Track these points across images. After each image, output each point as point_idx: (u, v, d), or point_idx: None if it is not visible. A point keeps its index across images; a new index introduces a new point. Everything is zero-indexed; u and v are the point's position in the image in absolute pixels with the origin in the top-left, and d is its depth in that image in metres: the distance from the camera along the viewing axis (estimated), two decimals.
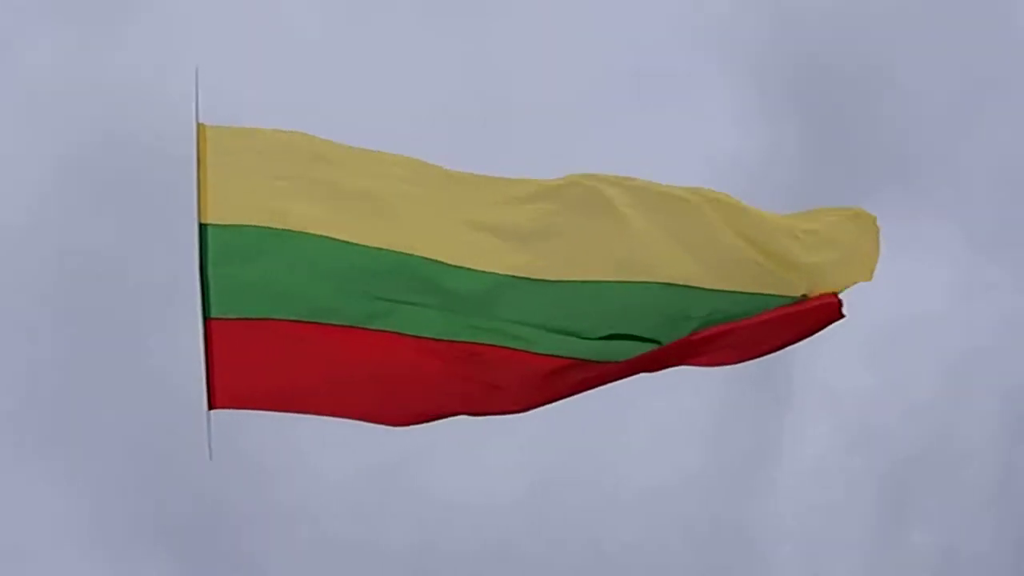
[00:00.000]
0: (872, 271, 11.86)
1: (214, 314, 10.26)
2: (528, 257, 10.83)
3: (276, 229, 10.46)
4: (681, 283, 11.00)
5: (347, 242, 10.55)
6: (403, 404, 10.70)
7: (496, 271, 10.77)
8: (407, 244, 10.65)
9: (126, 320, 17.27)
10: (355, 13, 19.11)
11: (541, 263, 10.85)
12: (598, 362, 10.89)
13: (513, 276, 10.77)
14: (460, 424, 18.26)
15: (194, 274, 10.49)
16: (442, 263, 10.66)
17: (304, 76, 18.10)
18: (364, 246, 10.57)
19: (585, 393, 11.21)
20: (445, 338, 10.66)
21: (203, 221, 10.32)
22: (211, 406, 10.32)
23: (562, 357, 10.79)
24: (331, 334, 10.47)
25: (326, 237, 10.50)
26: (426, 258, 10.65)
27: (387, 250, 10.58)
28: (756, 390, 19.00)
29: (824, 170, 20.09)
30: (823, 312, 11.45)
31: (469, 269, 10.76)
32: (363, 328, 10.54)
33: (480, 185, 10.99)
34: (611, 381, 11.12)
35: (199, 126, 10.41)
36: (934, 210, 20.38)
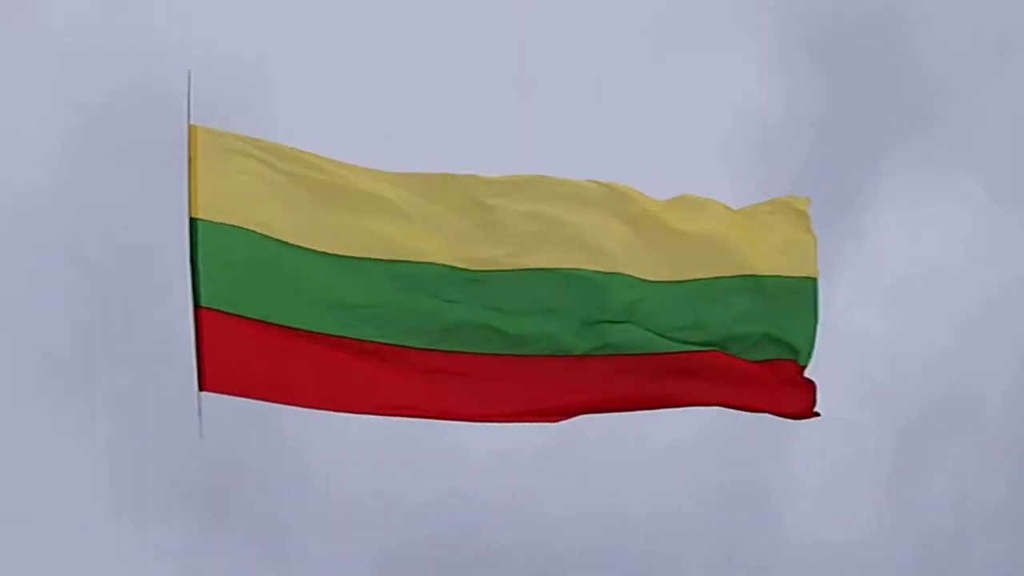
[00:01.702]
0: (814, 261, 11.81)
1: (204, 303, 10.53)
2: (499, 251, 11.24)
3: (259, 234, 10.74)
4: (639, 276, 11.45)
5: (326, 254, 10.84)
6: (383, 398, 10.98)
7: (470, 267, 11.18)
8: (392, 252, 10.99)
9: (151, 279, 17.34)
10: None
11: (515, 257, 11.26)
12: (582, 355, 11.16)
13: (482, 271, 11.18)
14: None
15: None
16: (437, 264, 11.06)
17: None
18: (345, 257, 10.89)
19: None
20: (425, 348, 10.97)
21: (193, 215, 10.59)
22: (201, 388, 10.57)
23: (542, 355, 11.14)
24: (313, 340, 10.76)
25: (306, 249, 10.78)
26: (412, 262, 11.02)
27: (368, 259, 10.91)
28: None
29: (845, 122, 20.07)
30: (795, 401, 11.69)
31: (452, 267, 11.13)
32: (343, 337, 10.84)
33: (454, 185, 11.37)
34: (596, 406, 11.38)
35: (191, 127, 10.63)
36: (955, 162, 20.39)
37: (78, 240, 17.99)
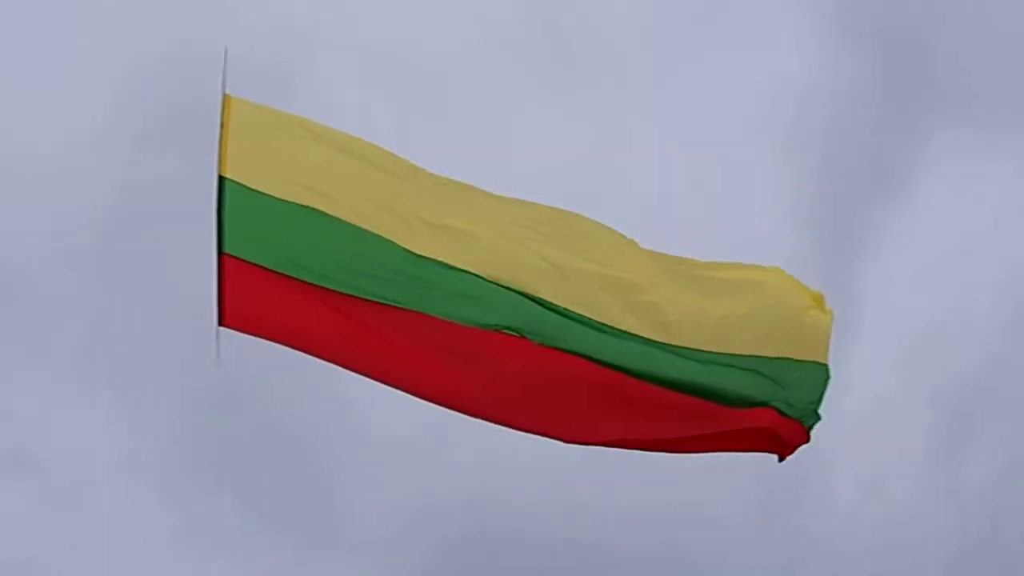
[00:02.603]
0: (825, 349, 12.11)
1: (227, 251, 10.79)
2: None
3: (288, 202, 10.97)
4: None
5: (348, 223, 11.06)
6: (391, 367, 11.15)
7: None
8: (410, 243, 11.12)
9: (193, 252, 17.36)
10: None
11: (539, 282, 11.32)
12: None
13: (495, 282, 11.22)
14: None
15: None
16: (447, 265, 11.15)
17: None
18: (373, 233, 11.07)
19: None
20: (462, 322, 11.10)
21: (222, 174, 10.84)
22: (220, 324, 10.81)
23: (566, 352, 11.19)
24: (331, 296, 10.92)
25: (336, 218, 11.01)
26: (427, 258, 11.14)
27: (392, 242, 11.06)
28: None
29: (884, 97, 20.02)
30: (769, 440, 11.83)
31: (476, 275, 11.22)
32: (362, 298, 10.97)
33: (489, 204, 11.50)
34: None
35: (225, 96, 10.86)
36: (992, 133, 20.30)
37: (119, 209, 18.02)
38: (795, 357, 11.85)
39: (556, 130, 18.25)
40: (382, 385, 11.17)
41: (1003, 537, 19.42)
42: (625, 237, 11.71)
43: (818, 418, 11.87)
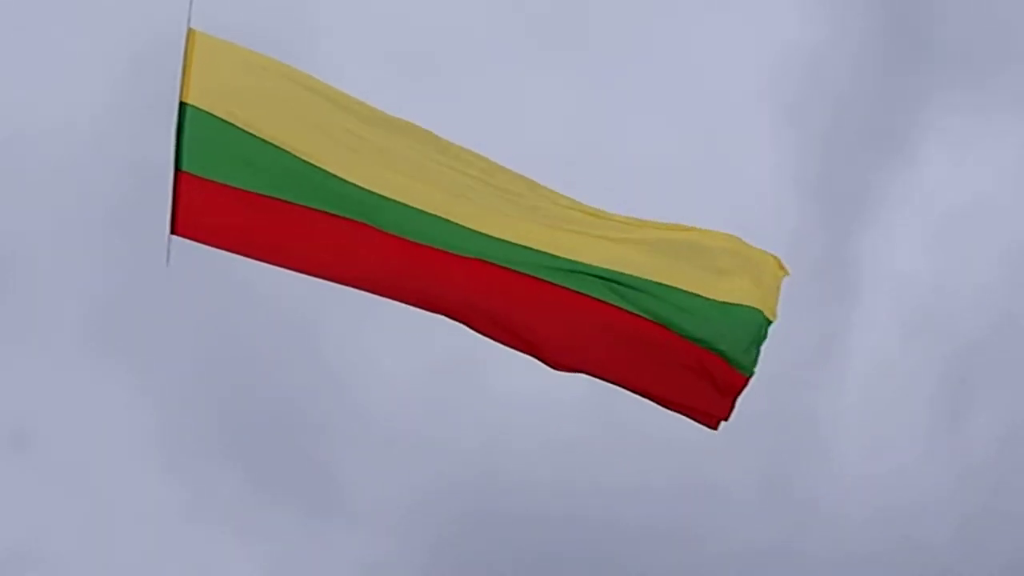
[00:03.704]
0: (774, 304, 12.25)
1: (184, 168, 11.32)
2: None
3: (249, 133, 11.51)
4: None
5: (314, 164, 11.58)
6: (351, 267, 11.63)
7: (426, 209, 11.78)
8: (367, 181, 11.63)
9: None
10: None
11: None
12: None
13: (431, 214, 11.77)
14: None
15: None
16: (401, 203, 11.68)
17: None
18: (330, 173, 11.58)
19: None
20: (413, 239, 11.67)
21: (183, 100, 11.36)
22: (173, 231, 11.33)
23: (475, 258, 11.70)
24: (289, 207, 11.49)
25: (292, 154, 11.54)
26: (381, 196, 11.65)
27: (347, 181, 11.59)
28: (819, 280, 19.01)
29: (886, 60, 19.94)
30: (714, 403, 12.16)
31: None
32: (320, 210, 11.53)
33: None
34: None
35: (189, 30, 11.46)
36: (998, 97, 20.23)
37: (128, 186, 17.94)
38: (738, 302, 12.07)
39: (557, 97, 18.20)
40: (336, 284, 11.59)
41: (1008, 500, 19.42)
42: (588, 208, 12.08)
43: (753, 367, 12.09)
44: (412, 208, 11.58)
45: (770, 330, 12.05)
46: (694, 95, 18.94)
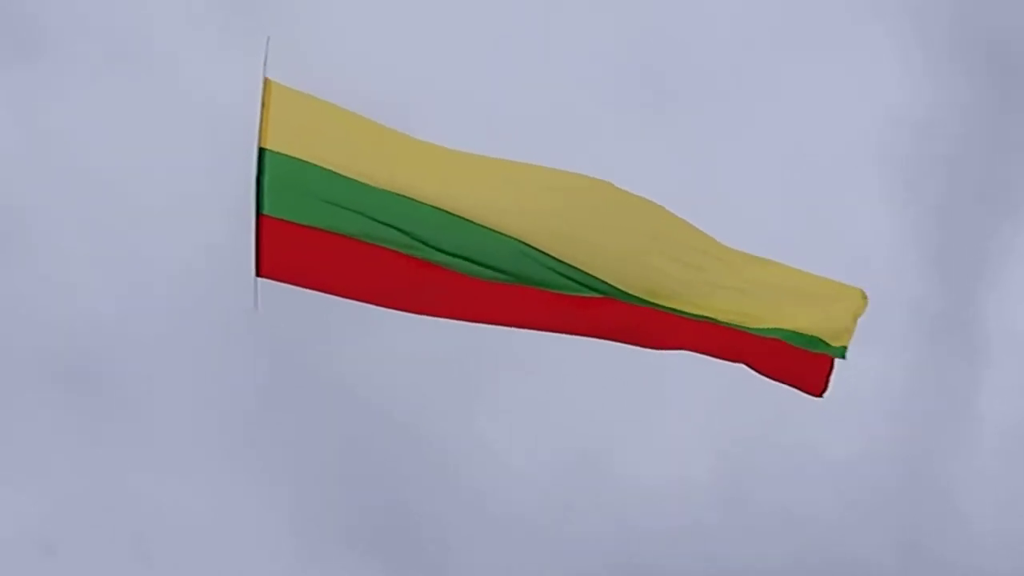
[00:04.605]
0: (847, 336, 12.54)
1: (265, 212, 11.86)
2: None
3: (328, 170, 12.04)
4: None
5: (383, 190, 12.06)
6: (432, 301, 12.11)
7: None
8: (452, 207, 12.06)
9: (319, 322, 17.38)
10: None
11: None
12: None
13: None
14: (641, 406, 18.22)
15: None
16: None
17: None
18: (414, 199, 12.07)
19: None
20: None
21: (262, 145, 11.94)
22: (258, 273, 11.87)
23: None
24: (367, 246, 12.00)
25: (374, 187, 12.03)
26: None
27: (432, 206, 12.07)
28: (945, 344, 18.77)
29: (992, 128, 19.72)
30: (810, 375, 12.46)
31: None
32: (406, 254, 12.02)
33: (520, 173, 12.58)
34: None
35: (265, 80, 12.03)
36: None
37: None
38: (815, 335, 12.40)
39: (655, 162, 18.15)
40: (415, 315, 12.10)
41: None
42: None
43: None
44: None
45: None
46: (803, 163, 18.87)
